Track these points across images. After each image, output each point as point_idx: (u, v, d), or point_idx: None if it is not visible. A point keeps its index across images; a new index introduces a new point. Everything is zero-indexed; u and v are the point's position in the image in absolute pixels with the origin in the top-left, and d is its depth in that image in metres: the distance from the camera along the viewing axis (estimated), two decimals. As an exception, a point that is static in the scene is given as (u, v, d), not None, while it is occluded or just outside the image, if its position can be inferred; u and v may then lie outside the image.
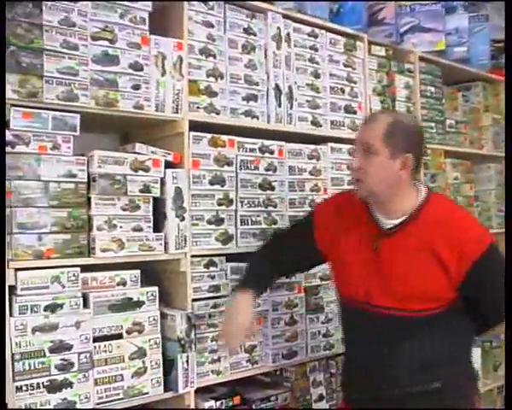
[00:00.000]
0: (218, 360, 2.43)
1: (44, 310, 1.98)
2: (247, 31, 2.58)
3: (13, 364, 1.90)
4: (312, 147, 2.78)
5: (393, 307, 1.97)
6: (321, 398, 2.78)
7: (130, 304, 2.18)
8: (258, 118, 2.59)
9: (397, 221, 2.00)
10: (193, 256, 2.36)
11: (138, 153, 2.24)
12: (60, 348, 2.00)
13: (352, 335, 2.17)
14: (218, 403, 2.41)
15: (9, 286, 1.91)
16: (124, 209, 2.17)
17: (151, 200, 2.24)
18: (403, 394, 1.99)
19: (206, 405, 2.37)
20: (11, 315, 1.93)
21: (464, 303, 2.00)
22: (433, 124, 3.53)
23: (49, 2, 2.00)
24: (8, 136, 1.92)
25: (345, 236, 2.11)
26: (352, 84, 3.00)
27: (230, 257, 2.50)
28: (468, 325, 2.08)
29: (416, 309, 1.96)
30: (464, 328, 2.07)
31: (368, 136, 1.95)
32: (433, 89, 3.55)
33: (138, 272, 2.22)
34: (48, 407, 1.95)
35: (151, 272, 2.37)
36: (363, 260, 2.03)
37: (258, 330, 2.54)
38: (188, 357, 2.26)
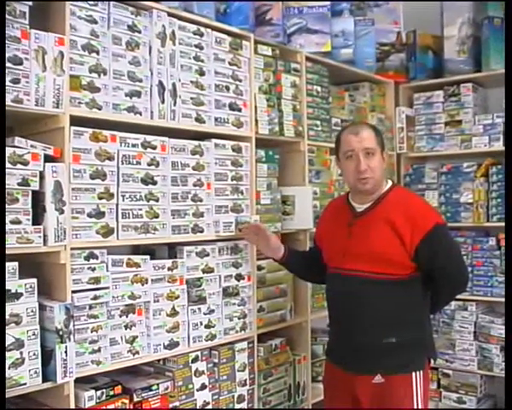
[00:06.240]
0: (99, 350, 2.46)
1: None
2: (132, 28, 2.61)
3: None
4: (196, 143, 2.83)
5: (361, 270, 2.52)
6: (203, 387, 2.84)
7: (7, 296, 2.18)
8: (141, 114, 2.63)
9: (366, 205, 2.59)
10: (73, 249, 2.38)
11: (17, 146, 2.25)
12: None
13: (331, 296, 2.73)
14: (99, 393, 2.45)
15: None
16: (1, 202, 2.18)
17: (30, 193, 2.25)
18: (364, 345, 2.52)
19: (86, 394, 2.40)
20: None
21: (423, 276, 2.53)
22: (318, 122, 3.64)
23: None
24: None
25: (330, 227, 2.75)
26: (238, 82, 3.07)
27: (112, 249, 2.55)
28: (427, 298, 2.61)
29: (378, 272, 2.49)
30: (422, 299, 2.58)
31: (367, 143, 2.53)
32: (319, 88, 3.66)
33: (16, 264, 2.22)
34: None
35: (32, 265, 2.38)
36: (341, 237, 2.61)
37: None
38: (66, 348, 2.29)
